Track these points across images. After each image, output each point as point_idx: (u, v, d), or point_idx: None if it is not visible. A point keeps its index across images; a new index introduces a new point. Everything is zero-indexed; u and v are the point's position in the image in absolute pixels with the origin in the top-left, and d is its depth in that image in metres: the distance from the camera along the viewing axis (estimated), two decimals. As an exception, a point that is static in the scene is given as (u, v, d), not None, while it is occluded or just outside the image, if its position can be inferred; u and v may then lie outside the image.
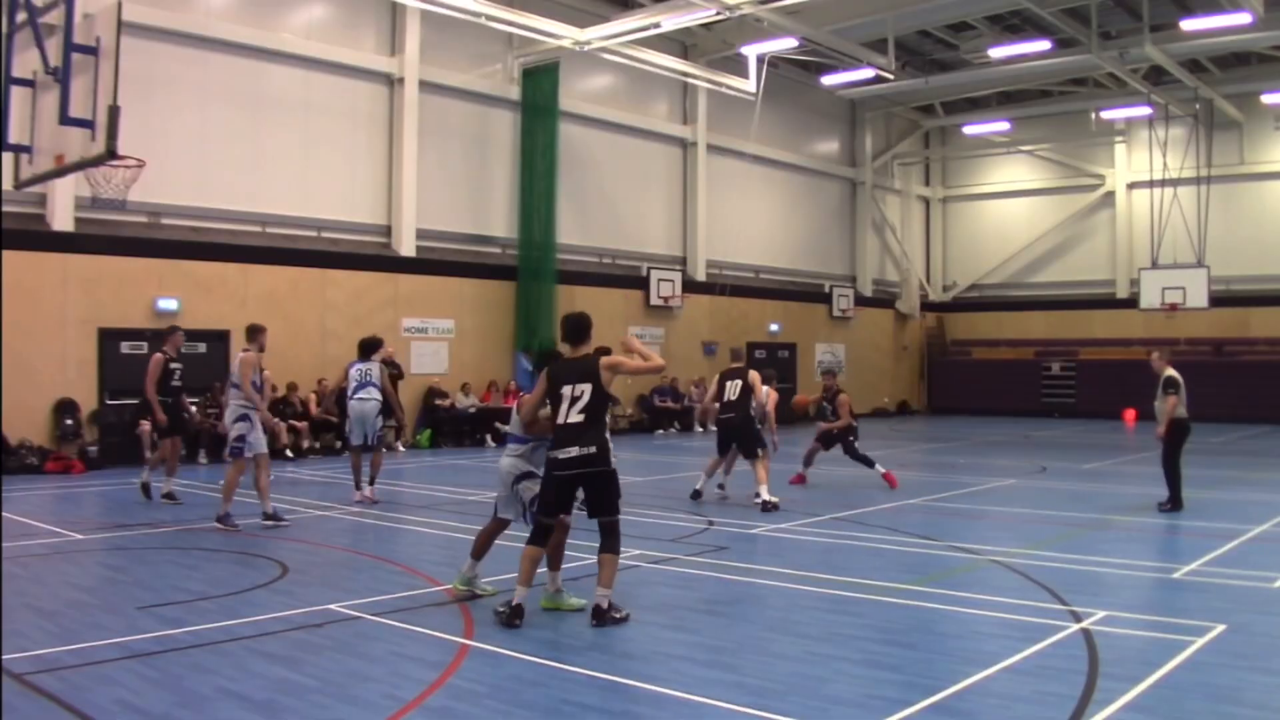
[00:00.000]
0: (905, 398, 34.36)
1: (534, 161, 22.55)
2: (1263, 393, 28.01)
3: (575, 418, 6.70)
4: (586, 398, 6.69)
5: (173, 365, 12.15)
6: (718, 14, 20.15)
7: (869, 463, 14.02)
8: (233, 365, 11.12)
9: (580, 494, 6.93)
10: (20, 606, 7.11)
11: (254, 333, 10.91)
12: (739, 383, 12.41)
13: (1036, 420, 29.64)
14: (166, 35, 17.43)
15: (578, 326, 6.97)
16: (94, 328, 16.57)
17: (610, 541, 6.78)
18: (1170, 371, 11.93)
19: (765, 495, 11.84)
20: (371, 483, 12.49)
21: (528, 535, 6.95)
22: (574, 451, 6.66)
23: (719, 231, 27.64)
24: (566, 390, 6.75)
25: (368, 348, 12.62)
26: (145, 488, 12.52)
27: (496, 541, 7.59)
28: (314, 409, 18.65)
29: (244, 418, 10.64)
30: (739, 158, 27.09)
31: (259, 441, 10.67)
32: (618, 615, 6.70)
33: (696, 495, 12.59)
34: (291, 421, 17.85)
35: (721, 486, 12.99)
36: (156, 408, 11.85)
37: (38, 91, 6.53)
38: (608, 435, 6.84)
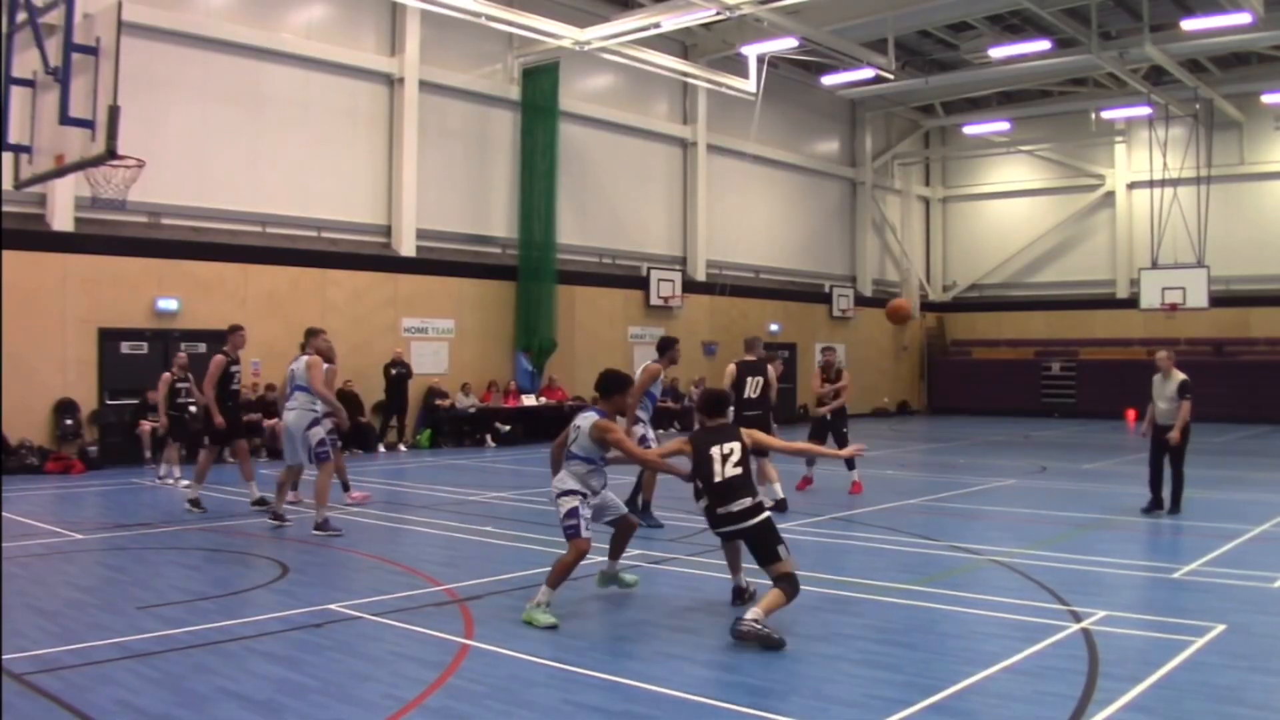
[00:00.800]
0: (905, 398, 34.36)
1: (534, 161, 22.55)
2: (1263, 393, 28.01)
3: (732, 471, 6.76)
4: (736, 455, 6.80)
5: (234, 368, 11.78)
6: (718, 14, 20.15)
7: (850, 463, 13.31)
8: (294, 367, 10.66)
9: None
10: (20, 606, 7.11)
11: (313, 335, 10.79)
12: (760, 379, 11.82)
13: (1036, 420, 29.64)
14: (166, 35, 17.43)
15: (719, 401, 7.34)
16: (94, 328, 16.57)
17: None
18: (1181, 374, 11.53)
19: (779, 493, 11.57)
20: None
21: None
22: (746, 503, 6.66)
23: (719, 231, 27.65)
24: (715, 450, 6.79)
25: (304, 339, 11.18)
26: (196, 502, 11.52)
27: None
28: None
29: (316, 421, 10.32)
30: (739, 158, 27.09)
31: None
32: (770, 634, 6.15)
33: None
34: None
35: None
36: (215, 410, 11.45)
37: (38, 91, 6.53)
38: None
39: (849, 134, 32.63)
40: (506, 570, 8.43)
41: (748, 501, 6.66)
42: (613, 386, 7.35)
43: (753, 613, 6.20)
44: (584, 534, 6.88)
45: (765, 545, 6.61)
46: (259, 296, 18.38)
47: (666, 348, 10.94)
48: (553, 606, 6.76)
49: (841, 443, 13.27)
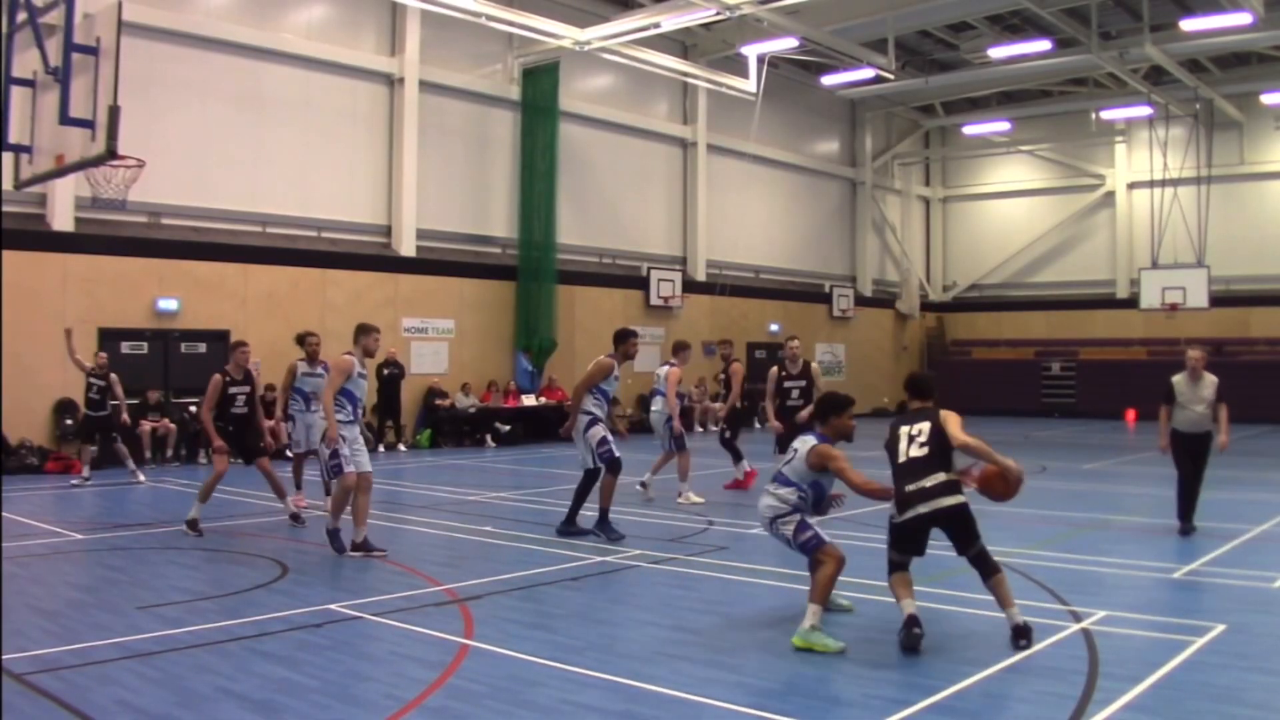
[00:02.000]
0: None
1: (534, 161, 22.56)
2: (1263, 393, 27.97)
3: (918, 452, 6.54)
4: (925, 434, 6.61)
5: (234, 389, 10.48)
6: (718, 14, 20.15)
7: (738, 455, 13.71)
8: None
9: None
10: (20, 606, 7.11)
11: (363, 332, 9.54)
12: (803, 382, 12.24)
13: (1036, 420, 29.63)
14: (166, 35, 17.44)
15: (924, 383, 7.24)
16: (94, 328, 16.57)
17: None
18: (1211, 375, 10.42)
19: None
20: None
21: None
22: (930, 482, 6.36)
23: (719, 231, 27.65)
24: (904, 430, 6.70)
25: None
26: (193, 524, 10.38)
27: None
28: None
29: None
30: (739, 158, 27.09)
31: (355, 456, 9.21)
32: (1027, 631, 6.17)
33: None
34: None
35: (644, 485, 12.87)
36: (211, 433, 10.32)
37: (38, 91, 6.53)
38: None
39: (849, 134, 32.62)
40: (506, 570, 8.43)
41: (941, 477, 6.34)
42: (831, 409, 6.85)
43: (1017, 616, 6.23)
44: (827, 541, 6.57)
45: (968, 527, 6.41)
46: (259, 296, 18.38)
47: (620, 340, 10.43)
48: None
49: (727, 440, 13.90)
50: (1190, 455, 10.12)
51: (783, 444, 11.47)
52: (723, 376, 14.42)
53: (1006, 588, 6.37)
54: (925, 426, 6.58)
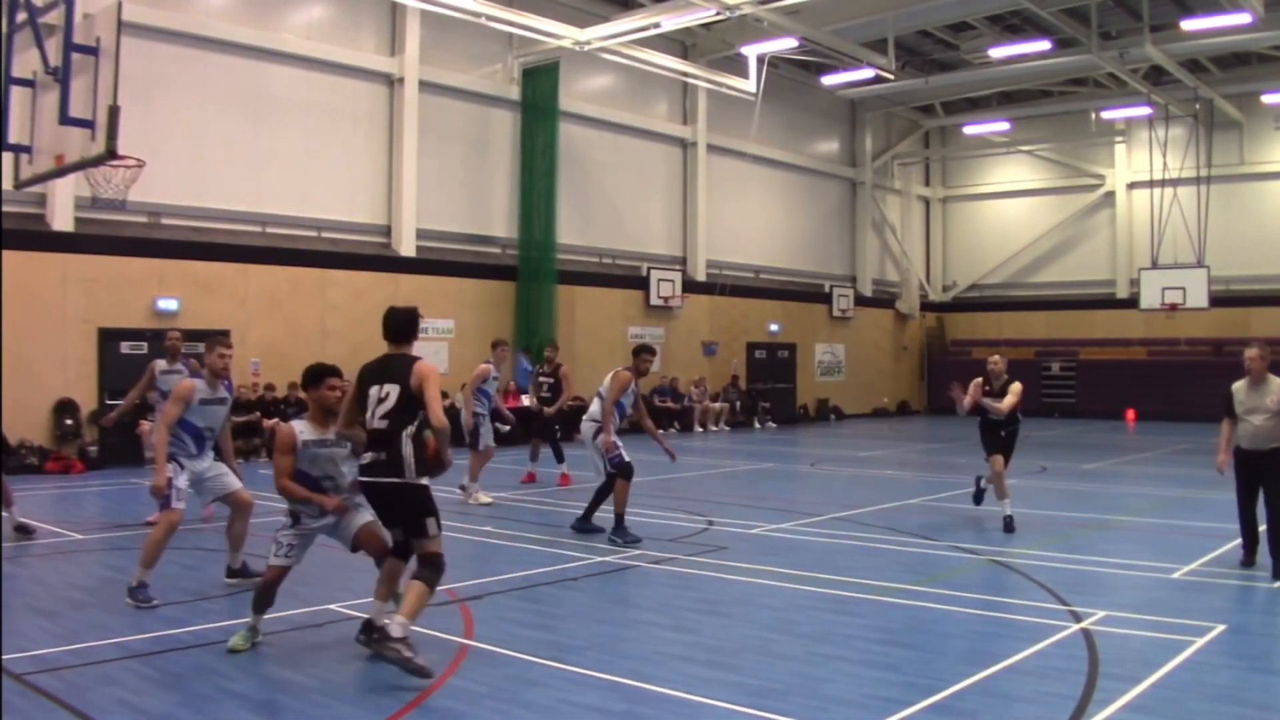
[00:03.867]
0: (905, 398, 34.36)
1: (534, 161, 22.56)
2: (1263, 393, 27.97)
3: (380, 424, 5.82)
4: (392, 400, 5.78)
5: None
6: (718, 14, 20.15)
7: (560, 456, 14.35)
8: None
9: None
10: (20, 606, 7.11)
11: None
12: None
13: (1036, 420, 29.61)
14: (166, 35, 17.44)
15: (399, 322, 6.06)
16: (94, 328, 16.57)
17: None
18: (1276, 377, 8.72)
19: (1008, 510, 10.71)
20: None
21: None
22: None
23: (719, 231, 27.65)
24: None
25: None
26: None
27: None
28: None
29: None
30: (739, 158, 27.09)
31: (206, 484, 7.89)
32: None
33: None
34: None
35: (463, 488, 12.53)
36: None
37: (38, 91, 6.54)
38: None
39: (849, 134, 32.63)
40: (506, 570, 8.43)
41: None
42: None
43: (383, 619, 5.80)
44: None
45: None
46: (259, 296, 18.38)
47: (635, 354, 10.21)
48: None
49: (552, 437, 14.51)
50: (1253, 476, 8.47)
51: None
52: (550, 380, 14.77)
53: (417, 594, 5.73)
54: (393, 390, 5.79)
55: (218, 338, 7.92)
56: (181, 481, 7.53)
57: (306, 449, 6.06)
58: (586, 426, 10.14)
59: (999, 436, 10.93)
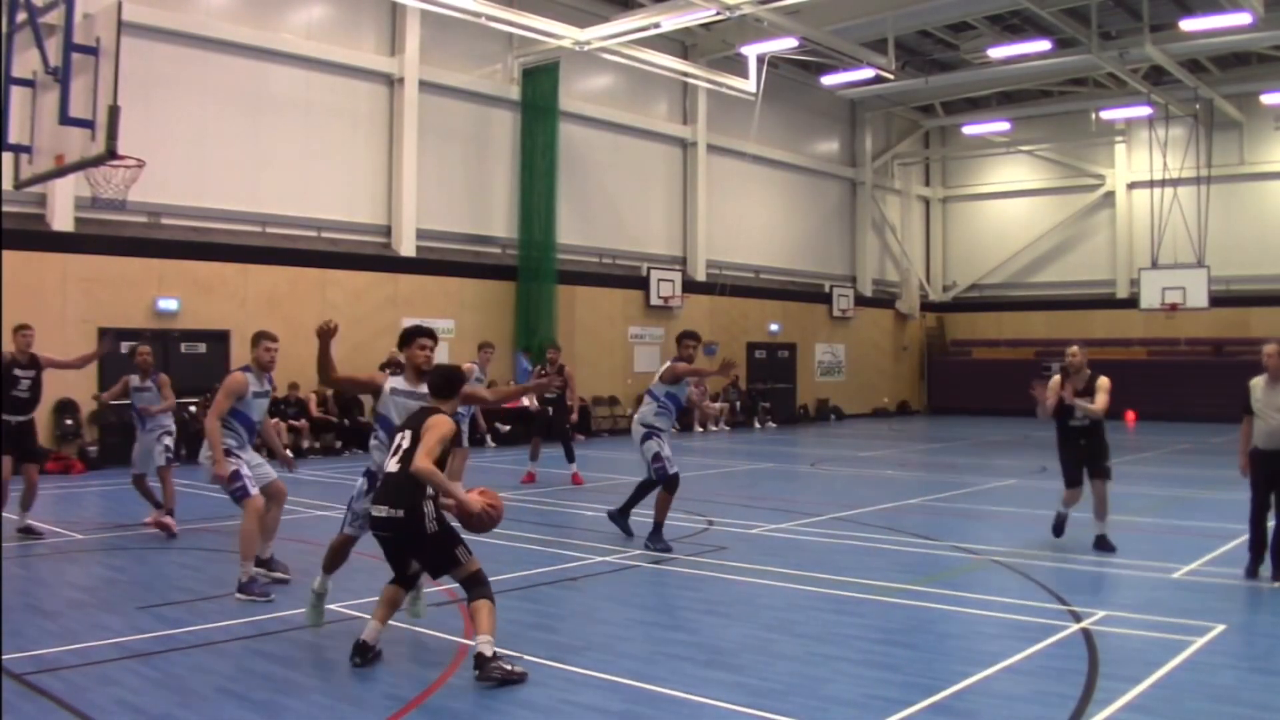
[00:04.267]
0: (905, 398, 34.36)
1: (534, 161, 22.55)
2: (1263, 393, 27.97)
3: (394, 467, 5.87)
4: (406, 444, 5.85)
5: (18, 372, 9.72)
6: (718, 14, 20.15)
7: (570, 456, 14.46)
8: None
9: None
10: (20, 606, 7.11)
11: (254, 342, 8.32)
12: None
13: (1036, 420, 29.54)
14: (166, 35, 17.44)
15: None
16: (94, 328, 16.55)
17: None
18: None
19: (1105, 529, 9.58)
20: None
21: None
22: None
23: (719, 231, 27.65)
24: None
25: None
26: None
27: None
28: (314, 409, 18.66)
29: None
30: (739, 158, 27.09)
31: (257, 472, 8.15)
32: None
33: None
34: (290, 421, 17.86)
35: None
36: None
37: (38, 91, 6.53)
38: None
39: (849, 134, 32.62)
40: (507, 570, 8.43)
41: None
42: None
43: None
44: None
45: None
46: (259, 296, 18.38)
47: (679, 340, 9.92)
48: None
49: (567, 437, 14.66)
50: (1270, 476, 8.20)
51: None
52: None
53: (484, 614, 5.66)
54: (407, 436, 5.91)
55: (263, 331, 8.21)
56: (246, 469, 7.81)
57: (396, 397, 6.53)
58: (637, 430, 9.82)
59: (1079, 448, 9.71)
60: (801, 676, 5.70)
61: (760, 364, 28.77)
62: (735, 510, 11.88)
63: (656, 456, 9.61)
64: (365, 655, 5.83)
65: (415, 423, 5.90)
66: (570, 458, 14.51)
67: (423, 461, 5.55)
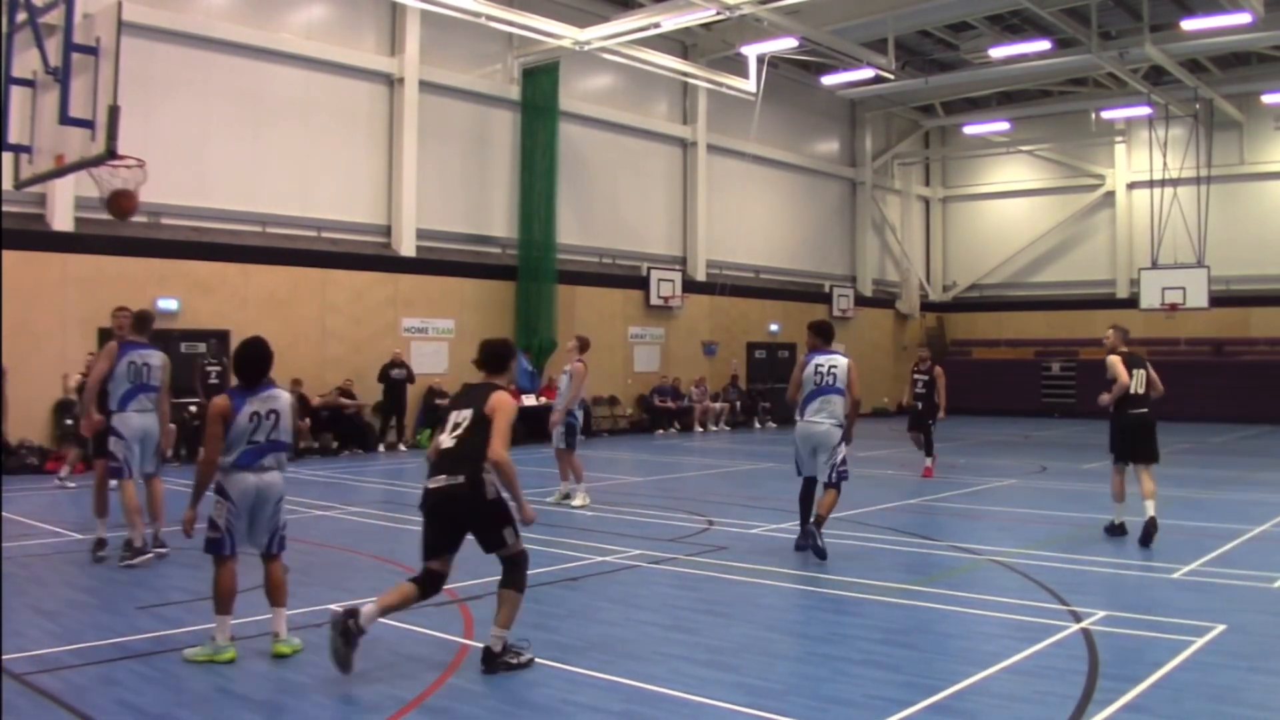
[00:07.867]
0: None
1: (534, 161, 22.55)
2: (1263, 393, 27.99)
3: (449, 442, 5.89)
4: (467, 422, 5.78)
5: None
6: (718, 14, 20.16)
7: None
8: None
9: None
10: (20, 606, 7.11)
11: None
12: (1143, 371, 10.04)
13: (1036, 420, 29.62)
14: (166, 35, 17.44)
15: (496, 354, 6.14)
16: (94, 328, 16.54)
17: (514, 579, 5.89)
18: None
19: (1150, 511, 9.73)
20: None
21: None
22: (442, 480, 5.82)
23: (719, 231, 27.64)
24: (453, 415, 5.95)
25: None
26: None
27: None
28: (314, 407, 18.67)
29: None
30: (739, 158, 27.08)
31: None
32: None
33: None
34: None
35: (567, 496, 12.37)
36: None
37: (38, 91, 6.53)
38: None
39: (849, 134, 32.63)
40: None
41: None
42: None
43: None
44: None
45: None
46: (259, 296, 18.38)
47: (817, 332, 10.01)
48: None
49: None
50: None
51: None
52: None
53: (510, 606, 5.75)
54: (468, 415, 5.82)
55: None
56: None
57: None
58: (835, 432, 9.22)
59: (1142, 436, 9.84)
60: (801, 676, 5.70)
61: (760, 364, 28.76)
62: (735, 510, 11.88)
63: (844, 460, 9.22)
64: (348, 635, 5.48)
65: (474, 401, 5.77)
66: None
67: (503, 451, 5.55)
